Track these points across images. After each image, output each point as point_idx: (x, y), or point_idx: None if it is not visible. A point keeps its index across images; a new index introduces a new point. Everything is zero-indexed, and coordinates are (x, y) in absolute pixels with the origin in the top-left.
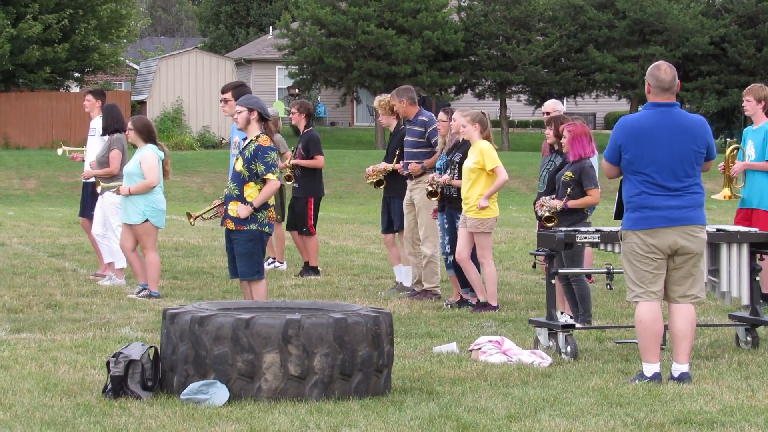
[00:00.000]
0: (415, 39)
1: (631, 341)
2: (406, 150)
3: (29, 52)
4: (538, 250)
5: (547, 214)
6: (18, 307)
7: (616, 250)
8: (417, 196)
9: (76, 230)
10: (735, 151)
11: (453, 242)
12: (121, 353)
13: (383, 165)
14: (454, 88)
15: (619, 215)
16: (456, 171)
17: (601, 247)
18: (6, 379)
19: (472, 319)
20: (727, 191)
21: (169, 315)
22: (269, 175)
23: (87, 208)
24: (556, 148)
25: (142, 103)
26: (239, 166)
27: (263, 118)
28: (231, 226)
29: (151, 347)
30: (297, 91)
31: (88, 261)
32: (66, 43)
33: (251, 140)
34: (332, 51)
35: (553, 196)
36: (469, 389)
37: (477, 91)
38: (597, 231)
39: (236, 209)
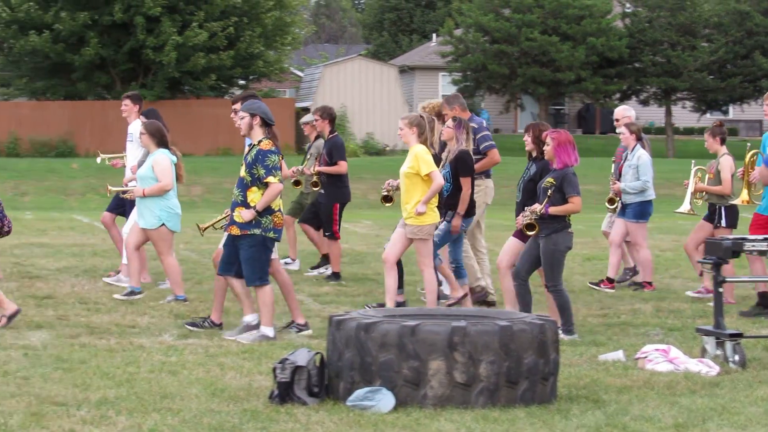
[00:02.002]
0: (579, 46)
1: None
2: None
3: (195, 59)
4: (705, 258)
5: (528, 221)
6: (185, 313)
7: None
8: None
9: None
10: (755, 157)
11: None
12: (287, 359)
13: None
14: (618, 95)
15: None
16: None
17: None
18: (174, 384)
19: (638, 327)
20: (745, 194)
21: (335, 322)
22: (270, 179)
23: (117, 206)
24: (534, 155)
25: (306, 110)
26: (242, 171)
27: (266, 123)
28: (236, 231)
29: (317, 354)
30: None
31: None
32: (231, 51)
33: (254, 145)
34: (496, 58)
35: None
36: (636, 398)
37: (641, 97)
38: (765, 239)
39: (240, 213)
